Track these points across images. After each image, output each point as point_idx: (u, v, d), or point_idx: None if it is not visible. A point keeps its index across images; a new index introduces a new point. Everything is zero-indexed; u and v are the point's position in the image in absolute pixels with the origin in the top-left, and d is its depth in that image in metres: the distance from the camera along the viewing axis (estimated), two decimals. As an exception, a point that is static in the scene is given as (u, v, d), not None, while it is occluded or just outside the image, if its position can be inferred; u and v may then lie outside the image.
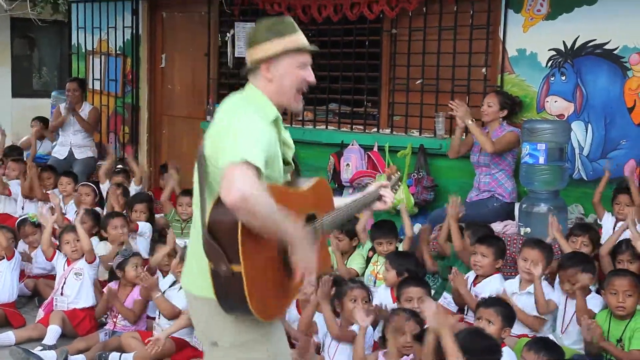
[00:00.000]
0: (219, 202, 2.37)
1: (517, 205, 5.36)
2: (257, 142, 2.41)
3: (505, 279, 4.59)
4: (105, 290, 5.03)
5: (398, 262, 4.64)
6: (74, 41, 9.29)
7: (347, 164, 6.30)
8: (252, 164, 2.33)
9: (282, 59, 2.61)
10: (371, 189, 3.07)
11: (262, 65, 2.61)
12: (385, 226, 5.22)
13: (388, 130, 6.57)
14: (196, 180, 2.55)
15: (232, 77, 7.61)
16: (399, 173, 3.42)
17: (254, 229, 2.34)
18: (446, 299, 4.76)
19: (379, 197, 3.04)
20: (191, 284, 2.64)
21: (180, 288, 4.52)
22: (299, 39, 2.64)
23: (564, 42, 5.56)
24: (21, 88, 12.94)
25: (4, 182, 7.23)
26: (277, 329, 2.66)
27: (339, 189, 6.51)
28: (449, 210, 5.03)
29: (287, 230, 2.37)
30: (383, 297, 4.63)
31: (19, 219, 6.25)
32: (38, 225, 5.88)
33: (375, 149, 6.32)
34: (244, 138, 2.40)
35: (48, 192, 7.01)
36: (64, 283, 5.13)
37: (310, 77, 2.67)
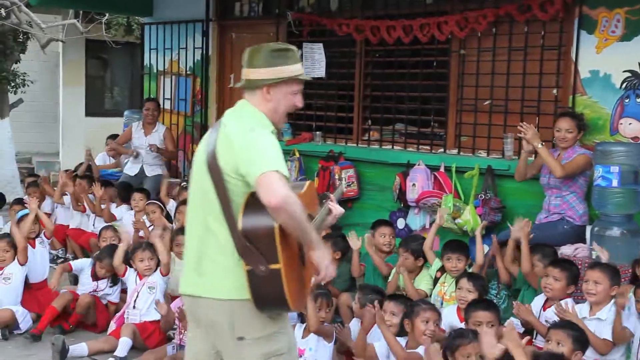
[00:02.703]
0: (247, 209, 2.72)
1: (588, 228, 5.24)
2: (280, 155, 2.79)
3: (576, 303, 4.49)
4: (175, 308, 5.09)
5: (479, 284, 4.61)
6: (146, 62, 9.54)
7: (413, 184, 6.27)
8: (282, 173, 2.69)
9: (282, 85, 2.96)
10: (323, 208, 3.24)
11: (264, 86, 2.93)
12: (455, 243, 5.25)
13: (455, 151, 6.52)
14: (209, 189, 2.83)
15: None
16: (341, 184, 3.50)
17: (288, 229, 2.70)
18: (513, 322, 4.67)
19: (329, 212, 3.25)
20: (214, 290, 2.87)
21: None
22: (298, 68, 2.99)
23: (639, 63, 5.44)
24: (94, 107, 13.41)
25: (89, 200, 7.47)
26: (289, 323, 3.03)
27: (405, 209, 6.49)
28: (520, 231, 4.94)
29: (312, 232, 2.78)
30: (450, 317, 4.60)
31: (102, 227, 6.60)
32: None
33: (442, 169, 6.28)
34: (270, 151, 2.76)
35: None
36: (137, 296, 5.26)
37: (300, 102, 3.04)
